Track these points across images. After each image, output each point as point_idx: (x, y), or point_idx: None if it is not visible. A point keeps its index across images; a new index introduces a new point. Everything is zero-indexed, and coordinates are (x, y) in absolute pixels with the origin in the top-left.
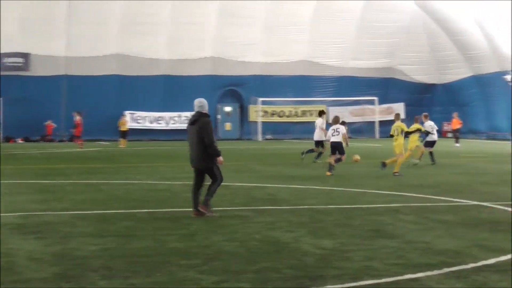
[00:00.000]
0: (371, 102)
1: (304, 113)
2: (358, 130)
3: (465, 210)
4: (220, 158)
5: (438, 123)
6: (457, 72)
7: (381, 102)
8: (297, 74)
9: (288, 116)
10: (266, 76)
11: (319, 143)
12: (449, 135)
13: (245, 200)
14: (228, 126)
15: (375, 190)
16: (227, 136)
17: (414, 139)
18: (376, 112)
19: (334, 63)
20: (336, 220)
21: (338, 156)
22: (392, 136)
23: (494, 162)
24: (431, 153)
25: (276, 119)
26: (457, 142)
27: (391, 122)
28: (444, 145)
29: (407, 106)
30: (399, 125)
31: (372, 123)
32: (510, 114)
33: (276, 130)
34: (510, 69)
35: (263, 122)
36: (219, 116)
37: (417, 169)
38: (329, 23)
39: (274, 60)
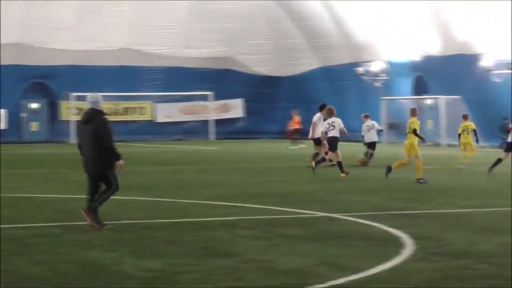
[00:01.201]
0: (204, 98)
1: (126, 110)
2: (190, 130)
3: (313, 222)
4: (121, 163)
5: (283, 121)
6: (304, 63)
7: (217, 97)
8: (117, 64)
9: (107, 114)
10: (81, 66)
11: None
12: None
13: (55, 214)
14: (34, 126)
15: (209, 201)
16: (33, 138)
17: (469, 140)
18: (211, 109)
19: (161, 51)
20: (163, 237)
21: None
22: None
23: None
24: (368, 153)
25: None
26: (297, 144)
27: (228, 120)
28: (284, 147)
29: (246, 102)
30: (412, 121)
31: (206, 122)
32: (362, 111)
33: None
34: (362, 60)
35: (78, 122)
36: (23, 114)
37: (258, 175)
38: (155, 4)
39: (90, 48)
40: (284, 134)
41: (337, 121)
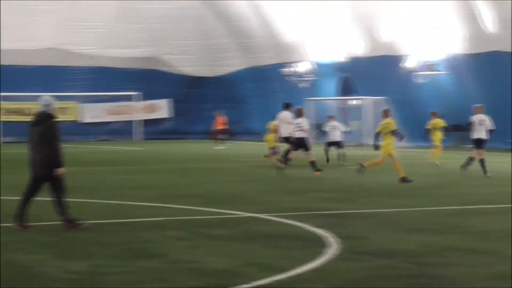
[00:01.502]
0: (130, 98)
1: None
2: (116, 131)
3: (238, 223)
4: (61, 170)
5: (210, 121)
6: (231, 64)
7: (144, 98)
8: (43, 64)
9: (34, 115)
10: (6, 66)
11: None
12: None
13: None
14: None
15: (134, 202)
16: None
17: (438, 137)
18: (137, 109)
19: (88, 51)
20: (88, 238)
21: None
22: (377, 134)
23: (270, 168)
24: (326, 151)
25: (19, 118)
26: (221, 144)
27: (155, 121)
28: (211, 148)
29: (174, 102)
30: (388, 122)
31: (132, 122)
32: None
33: (19, 131)
34: (290, 60)
35: (4, 122)
36: None
37: (184, 176)
38: (82, 3)
39: (15, 47)
40: (209, 135)
41: (304, 122)
